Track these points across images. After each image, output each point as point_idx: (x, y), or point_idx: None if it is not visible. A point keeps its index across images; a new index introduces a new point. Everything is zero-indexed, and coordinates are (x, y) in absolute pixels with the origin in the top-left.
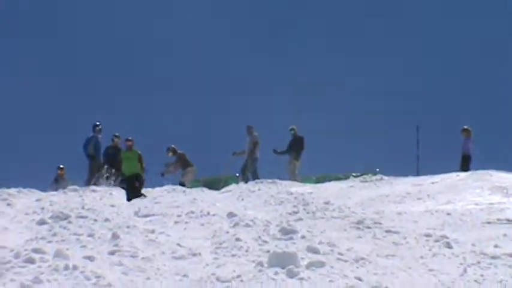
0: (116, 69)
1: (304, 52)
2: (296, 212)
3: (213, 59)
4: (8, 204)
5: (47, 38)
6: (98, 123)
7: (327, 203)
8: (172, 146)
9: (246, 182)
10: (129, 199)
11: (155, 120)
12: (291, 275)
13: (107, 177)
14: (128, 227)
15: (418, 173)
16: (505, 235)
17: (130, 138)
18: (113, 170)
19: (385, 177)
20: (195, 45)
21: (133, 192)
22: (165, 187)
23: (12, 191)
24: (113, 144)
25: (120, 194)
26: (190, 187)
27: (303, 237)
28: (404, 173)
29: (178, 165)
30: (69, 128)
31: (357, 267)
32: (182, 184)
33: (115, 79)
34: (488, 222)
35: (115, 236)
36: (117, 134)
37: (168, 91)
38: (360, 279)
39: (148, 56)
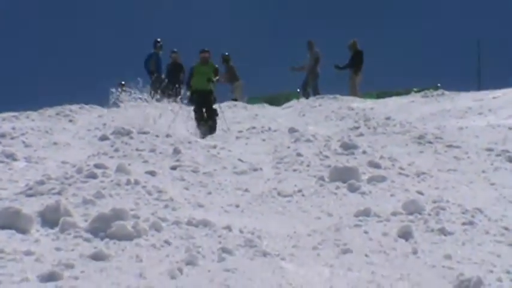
0: None
1: None
2: (357, 128)
3: None
4: (70, 121)
5: None
6: (158, 40)
7: (388, 118)
8: (227, 54)
9: (307, 98)
10: (198, 120)
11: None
12: (352, 189)
13: (169, 95)
14: (190, 142)
15: (479, 87)
16: None
17: (206, 49)
18: (176, 86)
19: (446, 92)
20: None
21: (203, 112)
22: (226, 103)
23: (74, 107)
24: (172, 60)
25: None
26: (247, 102)
27: (364, 152)
28: (465, 88)
29: (227, 77)
30: (131, 44)
31: (418, 182)
32: (235, 100)
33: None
34: None
35: (176, 151)
36: (175, 49)
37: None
38: (421, 193)
39: None
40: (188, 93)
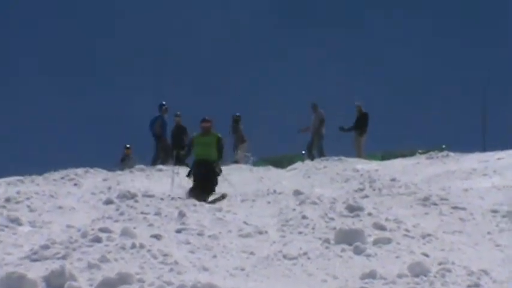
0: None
1: (366, 24)
2: (362, 189)
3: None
4: (75, 185)
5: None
6: (164, 103)
7: (393, 179)
8: (238, 114)
9: (312, 160)
10: (193, 191)
11: (220, 97)
12: (358, 251)
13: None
14: (195, 205)
15: (484, 149)
16: None
17: (207, 118)
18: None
19: (451, 154)
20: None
21: (201, 183)
22: (232, 165)
23: (80, 171)
24: (175, 124)
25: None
26: (253, 165)
27: (369, 214)
28: (470, 149)
29: (234, 138)
30: (136, 107)
31: (424, 244)
32: (236, 162)
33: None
34: None
35: (181, 214)
36: (178, 112)
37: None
38: (426, 255)
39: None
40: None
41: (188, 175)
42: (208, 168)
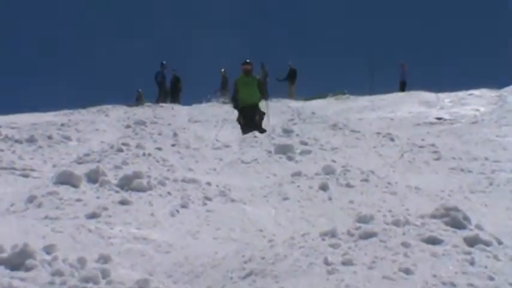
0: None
1: None
2: (293, 119)
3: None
4: (106, 115)
5: None
6: (164, 62)
7: (313, 113)
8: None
9: None
10: (243, 129)
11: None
12: (289, 158)
13: (171, 99)
14: (184, 128)
15: (372, 92)
16: (428, 132)
17: (248, 60)
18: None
19: (351, 96)
20: None
21: (251, 126)
22: (209, 103)
23: (109, 106)
24: (172, 75)
25: (178, 107)
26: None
27: (297, 135)
28: (363, 93)
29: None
30: (144, 65)
31: (332, 154)
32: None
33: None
34: (418, 124)
35: (175, 134)
36: (174, 68)
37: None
38: (334, 161)
39: None
40: (236, 109)
41: (237, 120)
42: (253, 113)
